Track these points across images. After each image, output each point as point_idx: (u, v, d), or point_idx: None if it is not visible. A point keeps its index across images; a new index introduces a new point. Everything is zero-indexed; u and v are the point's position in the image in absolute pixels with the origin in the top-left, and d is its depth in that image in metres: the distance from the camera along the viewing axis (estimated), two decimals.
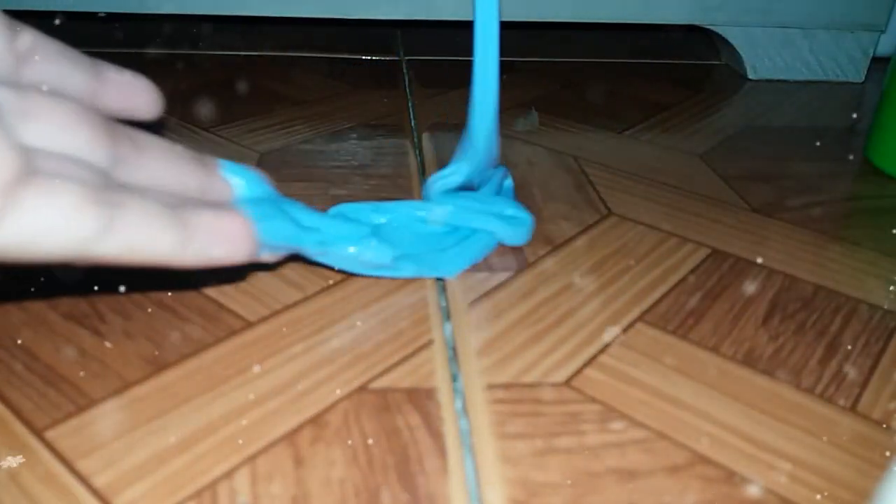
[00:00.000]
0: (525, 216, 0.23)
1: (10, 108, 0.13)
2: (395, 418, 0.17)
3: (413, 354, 0.19)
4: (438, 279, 0.22)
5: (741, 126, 0.36)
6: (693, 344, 0.20)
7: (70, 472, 0.15)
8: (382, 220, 0.22)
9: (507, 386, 0.18)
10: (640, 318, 0.21)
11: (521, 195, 0.28)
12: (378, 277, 0.22)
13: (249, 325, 0.20)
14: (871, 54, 0.43)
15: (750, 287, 0.23)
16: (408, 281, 0.22)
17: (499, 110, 0.23)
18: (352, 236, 0.20)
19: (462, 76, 0.41)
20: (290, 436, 0.16)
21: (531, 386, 0.18)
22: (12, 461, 0.15)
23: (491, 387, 0.18)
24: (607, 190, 0.29)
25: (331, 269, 0.22)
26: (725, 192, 0.29)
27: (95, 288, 0.21)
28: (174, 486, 0.15)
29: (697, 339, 0.20)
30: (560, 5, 0.40)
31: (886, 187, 0.30)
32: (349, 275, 0.22)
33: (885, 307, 0.22)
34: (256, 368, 0.18)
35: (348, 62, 0.42)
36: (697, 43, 0.48)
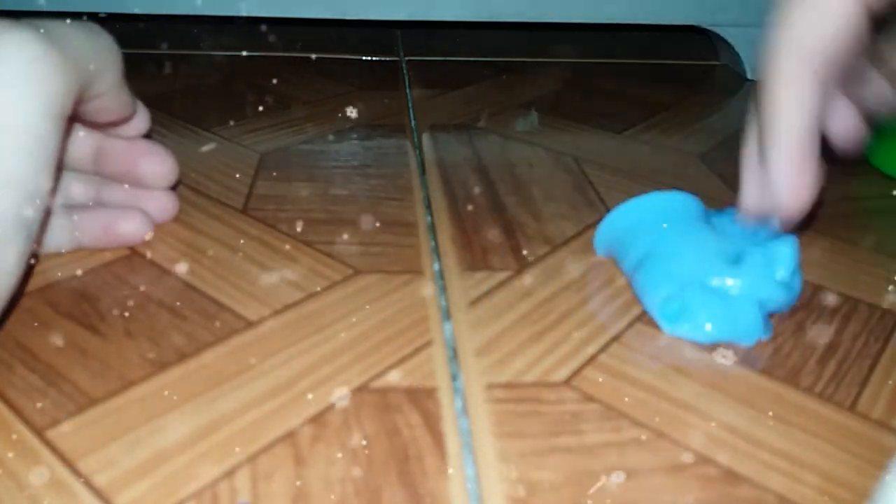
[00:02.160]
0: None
1: None
2: (396, 418, 0.17)
3: (413, 354, 0.19)
4: (439, 279, 0.22)
5: (740, 126, 0.36)
6: (692, 344, 0.20)
7: (71, 471, 0.15)
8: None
9: (507, 385, 0.18)
10: (639, 318, 0.21)
11: (521, 195, 0.28)
12: (366, 277, 0.22)
13: (250, 324, 0.20)
14: None
15: None
16: (407, 281, 0.22)
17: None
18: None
19: (462, 76, 0.41)
20: (291, 435, 0.16)
21: (531, 385, 0.18)
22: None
23: (491, 386, 0.18)
24: (607, 190, 0.29)
25: (330, 267, 0.22)
26: (725, 193, 0.29)
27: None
28: (175, 486, 0.15)
29: None
30: (559, 5, 0.40)
31: (886, 187, 0.30)
32: (349, 274, 0.22)
33: (885, 307, 0.22)
34: (257, 368, 0.18)
35: (348, 62, 0.42)
36: (697, 43, 0.48)
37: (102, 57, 0.18)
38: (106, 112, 0.19)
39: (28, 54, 0.15)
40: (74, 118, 0.21)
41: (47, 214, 0.21)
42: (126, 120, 0.21)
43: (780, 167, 0.19)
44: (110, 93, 0.19)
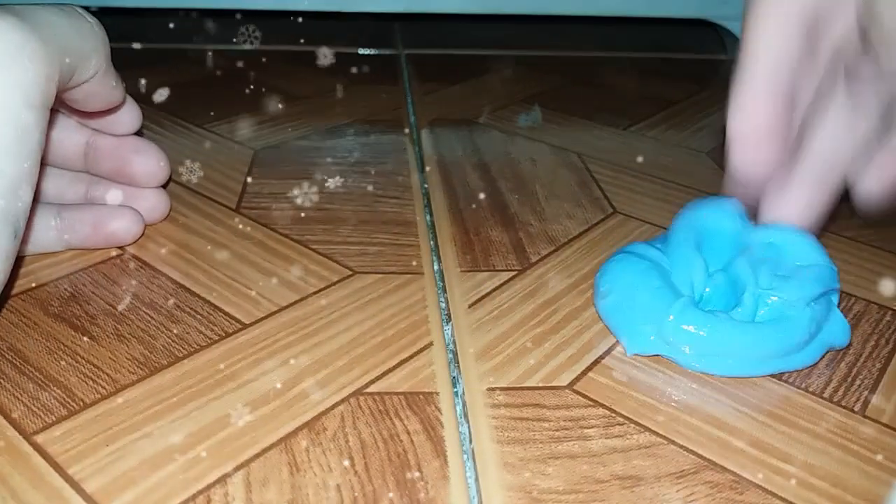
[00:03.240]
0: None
1: None
2: (394, 423, 0.16)
3: (412, 357, 0.18)
4: (439, 280, 0.22)
5: None
6: None
7: (61, 476, 0.15)
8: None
9: (508, 390, 0.18)
10: None
11: (524, 193, 0.27)
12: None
13: (244, 326, 0.19)
14: None
15: None
16: (407, 281, 0.22)
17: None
18: None
19: (462, 70, 0.41)
20: (286, 440, 0.16)
21: (533, 390, 0.18)
22: None
23: (492, 390, 0.17)
24: (612, 188, 0.28)
25: (327, 268, 0.22)
26: None
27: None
28: (167, 492, 0.14)
29: None
30: None
31: None
32: (346, 275, 0.22)
33: (895, 309, 0.21)
34: (251, 372, 0.18)
35: (346, 56, 0.41)
36: (704, 37, 0.47)
37: (86, 42, 0.17)
38: (94, 99, 0.19)
39: (6, 42, 0.14)
40: (62, 107, 0.21)
41: (34, 212, 0.21)
42: (116, 108, 0.20)
43: (737, 113, 0.16)
44: (97, 79, 0.18)
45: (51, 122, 0.21)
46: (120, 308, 0.20)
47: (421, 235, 0.24)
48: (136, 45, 0.39)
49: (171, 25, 0.43)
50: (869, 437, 0.17)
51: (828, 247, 0.25)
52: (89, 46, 0.17)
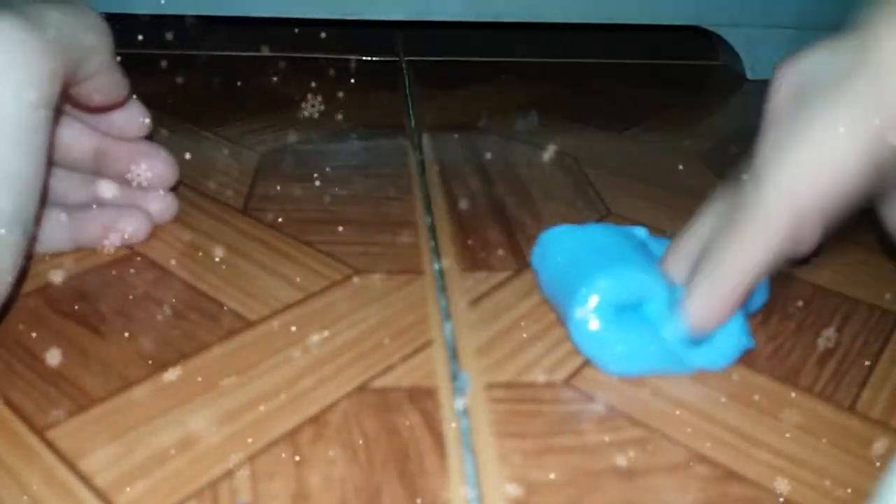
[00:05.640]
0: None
1: None
2: (396, 417, 0.17)
3: (413, 354, 0.19)
4: (439, 279, 0.22)
5: (740, 126, 0.36)
6: None
7: (71, 471, 0.15)
8: None
9: (506, 385, 0.18)
10: None
11: (521, 195, 0.28)
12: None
13: (250, 324, 0.20)
14: None
15: None
16: (408, 280, 0.22)
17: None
18: None
19: (461, 77, 0.41)
20: (291, 435, 0.16)
21: (531, 385, 0.18)
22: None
23: (491, 386, 0.18)
24: (606, 190, 0.29)
25: (330, 267, 0.22)
26: None
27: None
28: (175, 486, 0.15)
29: None
30: (559, 5, 0.40)
31: None
32: (349, 274, 0.22)
33: (884, 307, 0.22)
34: (257, 368, 0.18)
35: (348, 63, 0.42)
36: (697, 43, 0.48)
37: (89, 37, 0.17)
38: (98, 94, 0.19)
39: (8, 41, 0.14)
40: (70, 106, 0.21)
41: (43, 212, 0.21)
42: (120, 102, 0.21)
43: (701, 305, 0.16)
44: (101, 74, 0.18)
45: (61, 126, 0.21)
46: (129, 306, 0.20)
47: (421, 236, 0.25)
48: (144, 51, 0.40)
49: (179, 32, 0.43)
50: (859, 432, 0.17)
51: (820, 248, 0.25)
52: (92, 41, 0.17)
